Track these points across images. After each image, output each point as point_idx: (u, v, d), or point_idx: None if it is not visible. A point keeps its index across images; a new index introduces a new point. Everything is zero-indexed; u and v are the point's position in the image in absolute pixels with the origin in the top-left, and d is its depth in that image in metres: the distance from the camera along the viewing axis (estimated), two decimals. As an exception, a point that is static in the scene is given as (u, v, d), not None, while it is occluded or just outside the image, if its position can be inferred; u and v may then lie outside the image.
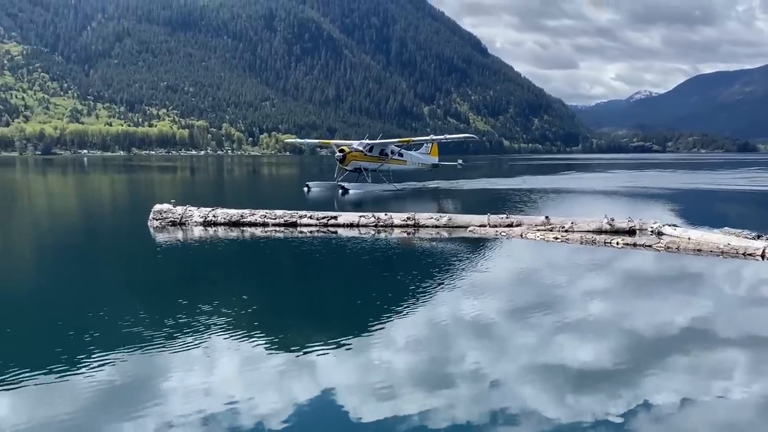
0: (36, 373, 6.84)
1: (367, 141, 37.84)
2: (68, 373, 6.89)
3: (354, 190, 33.94)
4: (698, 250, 14.60)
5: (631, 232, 17.24)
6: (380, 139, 40.52)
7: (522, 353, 7.65)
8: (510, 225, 18.07)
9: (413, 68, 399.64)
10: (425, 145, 43.03)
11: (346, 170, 36.37)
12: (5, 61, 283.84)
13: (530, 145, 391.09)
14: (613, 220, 17.53)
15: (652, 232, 17.01)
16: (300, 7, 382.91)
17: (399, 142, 39.80)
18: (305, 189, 35.31)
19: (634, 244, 15.57)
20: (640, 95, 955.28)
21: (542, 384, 6.70)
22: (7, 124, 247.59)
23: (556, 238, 16.56)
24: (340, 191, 33.36)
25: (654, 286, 11.70)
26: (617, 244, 15.64)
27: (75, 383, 6.64)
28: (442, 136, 41.78)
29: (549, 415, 5.97)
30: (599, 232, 17.05)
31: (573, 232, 17.12)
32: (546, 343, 8.02)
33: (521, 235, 17.10)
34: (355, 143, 37.68)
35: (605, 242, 15.85)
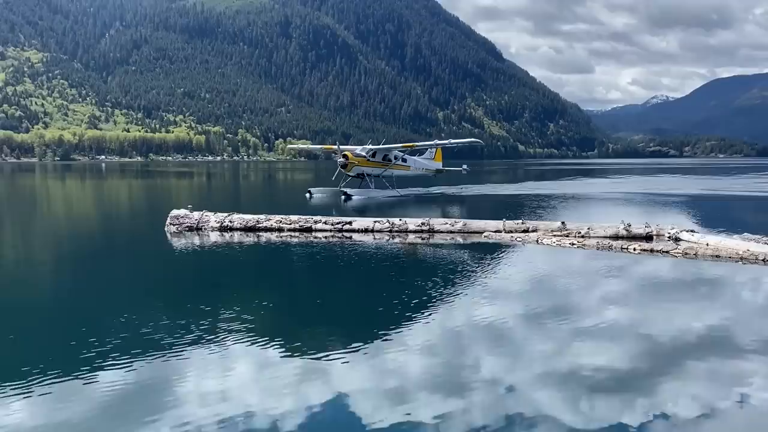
0: (54, 377, 6.92)
1: (370, 146, 37.09)
2: (86, 377, 6.97)
3: (357, 197, 33.39)
4: (717, 256, 14.45)
5: (648, 237, 17.10)
6: (384, 144, 39.83)
7: (537, 359, 7.61)
8: (526, 231, 18.01)
9: (428, 73, 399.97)
10: (429, 150, 42.09)
11: (349, 176, 35.83)
12: (25, 69, 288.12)
13: (546, 150, 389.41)
14: (629, 225, 17.41)
15: (669, 237, 16.86)
16: (315, 14, 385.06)
17: (402, 147, 39.03)
18: (307, 195, 34.91)
19: (651, 250, 15.43)
20: (656, 100, 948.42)
21: (558, 390, 6.67)
22: (27, 131, 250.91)
23: (573, 244, 16.48)
24: (343, 197, 32.93)
25: (671, 293, 11.59)
26: (634, 250, 15.52)
27: (93, 387, 6.71)
28: (446, 141, 41.12)
29: (564, 422, 5.94)
30: (616, 237, 16.94)
31: (589, 237, 17.02)
32: (562, 350, 7.98)
33: (537, 241, 17.02)
34: (357, 148, 36.93)
35: (622, 248, 15.74)
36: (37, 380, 6.82)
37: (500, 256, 15.56)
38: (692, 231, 16.92)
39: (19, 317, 9.66)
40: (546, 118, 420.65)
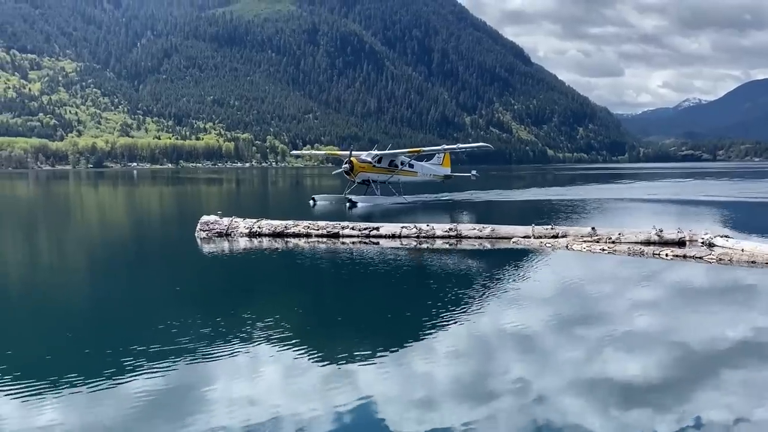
0: (88, 379, 7.05)
1: (376, 151, 36.13)
2: (118, 380, 7.08)
3: (362, 204, 32.29)
4: (752, 262, 14.12)
5: (680, 243, 16.78)
6: (389, 149, 38.73)
7: (566, 366, 7.51)
8: (555, 236, 17.82)
9: (455, 78, 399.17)
10: (437, 155, 40.99)
11: (354, 182, 34.76)
12: (60, 78, 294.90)
13: (575, 154, 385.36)
14: (661, 231, 17.10)
15: (703, 243, 16.52)
16: (342, 21, 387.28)
17: (409, 152, 37.90)
18: (311, 202, 33.94)
19: (684, 256, 15.14)
20: (688, 103, 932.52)
21: (587, 398, 6.57)
22: (62, 139, 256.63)
23: (603, 250, 16.25)
24: (348, 204, 31.98)
25: (705, 299, 11.35)
26: (666, 255, 15.25)
27: (124, 390, 6.81)
28: (454, 146, 39.83)
29: (594, 430, 5.85)
30: (647, 243, 16.66)
31: (620, 243, 16.77)
32: (592, 357, 7.87)
33: (567, 247, 16.83)
34: (363, 154, 36.03)
35: (654, 254, 15.48)
36: (71, 383, 6.94)
37: (529, 261, 15.42)
38: (727, 236, 16.56)
39: (55, 321, 9.86)
40: (575, 122, 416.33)
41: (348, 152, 36.34)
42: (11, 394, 6.69)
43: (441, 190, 41.76)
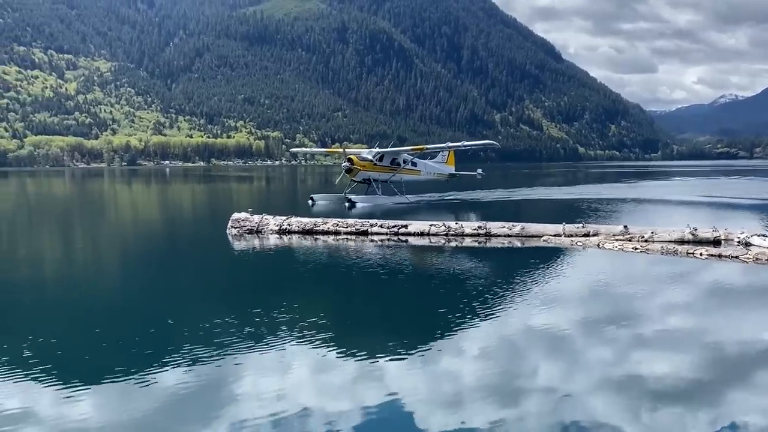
0: (120, 374, 7.19)
1: (377, 149, 34.95)
2: (150, 374, 7.21)
3: (361, 204, 31.15)
4: (790, 262, 13.76)
5: (716, 242, 16.44)
6: (391, 146, 37.48)
7: (597, 367, 7.43)
8: (586, 235, 17.61)
9: (485, 75, 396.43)
10: (441, 153, 39.31)
11: (355, 181, 33.56)
12: (95, 78, 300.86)
13: (607, 152, 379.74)
14: (696, 229, 16.77)
15: (739, 242, 16.15)
16: (372, 18, 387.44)
17: (412, 149, 36.45)
18: (309, 202, 32.57)
19: (720, 255, 14.83)
20: (724, 99, 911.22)
21: (617, 400, 6.49)
22: (97, 137, 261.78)
23: (635, 249, 16.01)
24: (347, 204, 30.83)
25: (741, 300, 11.10)
26: (701, 255, 14.95)
27: (155, 384, 6.94)
28: (459, 143, 37.92)
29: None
30: (681, 242, 16.36)
31: (653, 242, 16.50)
32: (622, 358, 7.76)
33: (598, 245, 16.62)
34: (364, 152, 34.99)
35: (688, 253, 15.19)
36: (104, 376, 7.10)
37: (560, 260, 15.27)
38: (764, 235, 16.16)
39: (89, 316, 10.08)
40: (607, 120, 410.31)
41: (342, 150, 35.11)
42: (46, 387, 6.87)
43: (446, 189, 40.30)
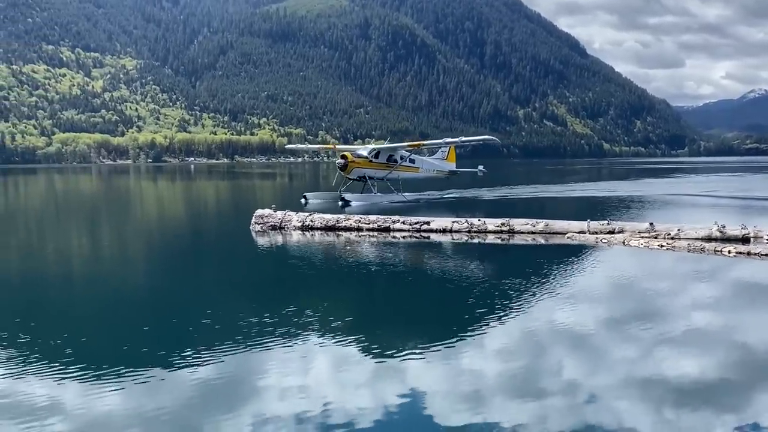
0: (146, 367, 7.30)
1: (373, 146, 33.81)
2: (173, 367, 7.31)
3: (356, 202, 29.73)
4: (822, 260, 13.47)
5: (744, 239, 16.15)
6: (388, 142, 36.26)
7: (620, 366, 7.35)
8: (611, 232, 17.41)
9: (508, 71, 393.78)
10: (441, 149, 37.54)
11: (350, 179, 32.28)
12: (121, 75, 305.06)
13: (632, 148, 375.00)
14: (724, 227, 16.49)
15: (768, 240, 15.85)
16: (394, 14, 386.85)
17: (409, 146, 34.96)
18: (302, 200, 30.93)
19: (748, 253, 14.56)
20: (754, 94, 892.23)
21: (641, 399, 6.41)
22: (123, 134, 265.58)
23: (661, 246, 15.79)
24: (340, 203, 29.27)
25: (770, 299, 10.89)
26: (729, 252, 14.70)
27: (179, 378, 7.04)
28: (457, 139, 36.19)
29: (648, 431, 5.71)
30: (709, 239, 16.10)
31: (680, 239, 16.26)
32: (647, 356, 7.67)
33: (623, 243, 16.43)
34: (360, 148, 33.69)
35: (715, 250, 14.94)
36: (130, 370, 7.20)
37: (584, 257, 15.12)
38: (794, 233, 15.84)
39: (115, 310, 10.24)
40: (632, 115, 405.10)
41: (332, 146, 33.90)
42: (73, 379, 6.99)
43: (446, 186, 38.81)
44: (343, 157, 31.71)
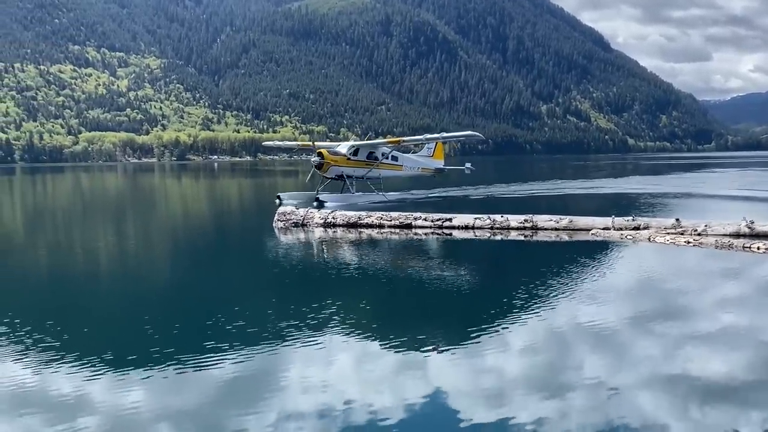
0: (169, 362, 7.39)
1: (353, 142, 32.04)
2: (196, 363, 7.38)
3: (332, 203, 27.71)
4: None
5: (773, 236, 15.82)
6: (367, 139, 34.72)
7: (645, 363, 7.25)
8: (636, 228, 17.18)
9: (531, 66, 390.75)
10: (427, 146, 35.35)
11: (327, 179, 30.32)
12: (146, 75, 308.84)
13: (657, 143, 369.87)
14: (752, 222, 16.18)
15: (798, 236, 15.52)
16: (416, 11, 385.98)
17: (389, 142, 32.91)
18: (276, 201, 28.99)
19: (777, 250, 14.27)
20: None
21: (665, 397, 6.32)
22: (147, 133, 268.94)
23: (688, 242, 15.55)
24: (315, 204, 27.05)
25: (800, 296, 10.67)
26: (758, 249, 14.41)
27: (202, 373, 7.10)
28: (438, 135, 34.40)
29: (672, 430, 5.62)
30: (737, 235, 15.81)
31: (707, 235, 15.99)
32: (672, 354, 7.56)
33: (649, 239, 16.21)
34: (342, 145, 31.75)
35: (744, 247, 14.67)
36: (154, 365, 7.30)
37: (609, 254, 14.95)
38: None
39: (140, 306, 10.37)
40: (658, 110, 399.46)
41: (311, 144, 32.60)
42: (100, 374, 7.10)
43: (433, 185, 36.56)
44: (319, 154, 29.42)
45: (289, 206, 20.96)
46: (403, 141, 33.20)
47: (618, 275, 12.56)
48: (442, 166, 36.36)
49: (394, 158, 32.41)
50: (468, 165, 39.40)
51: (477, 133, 34.78)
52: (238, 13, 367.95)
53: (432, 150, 35.66)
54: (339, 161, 29.86)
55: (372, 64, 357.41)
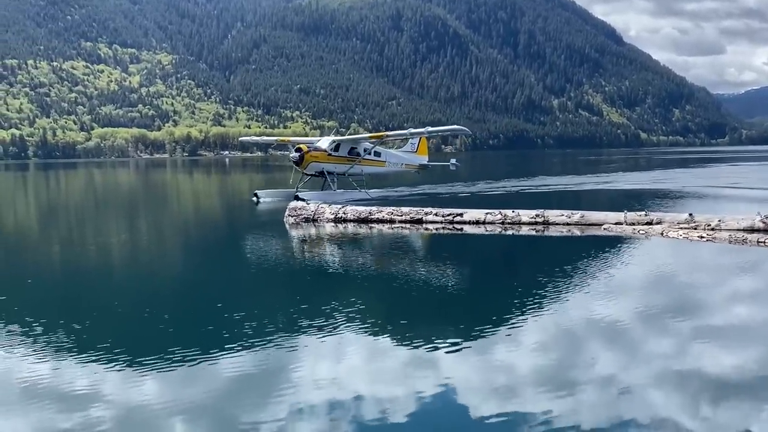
0: (181, 356, 7.42)
1: (333, 137, 30.96)
2: (207, 358, 7.41)
3: (311, 201, 26.28)
4: None
5: (788, 231, 15.65)
6: (349, 134, 33.81)
7: (656, 360, 7.19)
8: (649, 223, 17.06)
9: (542, 60, 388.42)
10: (411, 141, 34.60)
11: (306, 175, 29.18)
12: (157, 71, 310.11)
13: (670, 137, 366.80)
14: (767, 217, 16.01)
15: (813, 231, 15.33)
16: (426, 5, 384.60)
17: (371, 137, 31.91)
18: (254, 199, 28.94)
19: (792, 245, 14.12)
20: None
21: (677, 393, 6.27)
22: (159, 129, 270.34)
23: (701, 237, 15.41)
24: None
25: (816, 291, 10.55)
26: (772, 244, 14.27)
27: (213, 368, 7.13)
28: (424, 129, 33.11)
29: (684, 427, 5.58)
30: (751, 230, 15.64)
31: (720, 230, 15.85)
32: (684, 351, 7.50)
33: (662, 234, 16.09)
34: (322, 140, 30.44)
35: (758, 242, 14.52)
36: (166, 360, 7.33)
37: (621, 249, 14.85)
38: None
39: (151, 300, 10.43)
40: (671, 104, 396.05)
41: (287, 140, 31.27)
42: (112, 368, 7.14)
43: (419, 181, 35.85)
44: (298, 150, 28.21)
45: (299, 201, 20.96)
46: (387, 136, 32.56)
47: (630, 270, 12.48)
48: (426, 162, 35.69)
49: (377, 154, 31.40)
50: (453, 161, 38.17)
51: (463, 128, 33.89)
52: (249, 9, 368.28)
53: (416, 145, 34.93)
54: (319, 157, 28.60)
55: (383, 59, 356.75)
